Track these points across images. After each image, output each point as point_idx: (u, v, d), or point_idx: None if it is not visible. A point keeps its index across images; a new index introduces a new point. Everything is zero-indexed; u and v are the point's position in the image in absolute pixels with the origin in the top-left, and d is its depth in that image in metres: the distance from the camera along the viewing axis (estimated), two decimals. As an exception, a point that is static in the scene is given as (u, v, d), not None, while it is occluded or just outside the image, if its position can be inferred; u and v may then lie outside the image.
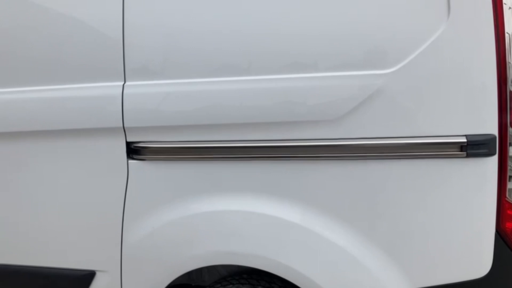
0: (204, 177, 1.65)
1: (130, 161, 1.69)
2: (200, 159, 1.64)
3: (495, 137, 1.46)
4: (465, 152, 1.46)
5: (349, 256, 1.55)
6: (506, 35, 1.47)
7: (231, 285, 1.78)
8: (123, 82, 1.65)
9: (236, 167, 1.62)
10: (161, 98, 1.61)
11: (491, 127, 1.47)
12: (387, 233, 1.54)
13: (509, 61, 1.49)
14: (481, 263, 1.52)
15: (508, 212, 1.52)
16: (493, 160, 1.48)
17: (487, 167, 1.49)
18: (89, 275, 1.84)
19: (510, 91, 1.49)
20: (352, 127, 1.51)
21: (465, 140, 1.45)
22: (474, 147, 1.45)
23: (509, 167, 1.52)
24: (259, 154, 1.59)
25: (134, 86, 1.64)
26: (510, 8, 1.52)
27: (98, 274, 1.84)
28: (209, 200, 1.65)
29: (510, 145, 1.50)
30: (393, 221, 1.54)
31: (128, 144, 1.67)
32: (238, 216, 1.63)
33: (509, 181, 1.52)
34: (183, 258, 1.71)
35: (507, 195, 1.52)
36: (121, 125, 1.64)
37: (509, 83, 1.49)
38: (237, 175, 1.62)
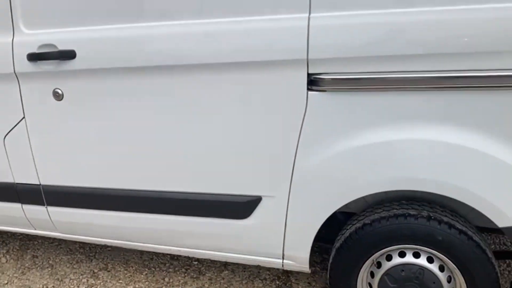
0: (385, 108, 1.70)
1: (310, 92, 1.76)
2: (382, 89, 1.69)
3: None
4: None
5: None
6: None
7: (394, 210, 1.88)
8: (308, 14, 1.69)
9: (418, 98, 1.67)
10: (346, 29, 1.65)
11: None
12: None
13: None
14: None
15: None
16: None
17: None
18: (256, 201, 1.99)
19: None
20: None
21: None
22: None
23: None
24: (442, 85, 1.63)
25: (320, 18, 1.67)
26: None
27: (264, 200, 1.97)
28: (387, 130, 1.71)
29: None
30: None
31: (309, 75, 1.73)
32: (420, 144, 1.70)
33: None
34: (357, 184, 1.80)
35: None
36: (305, 57, 1.70)
37: None
38: (419, 105, 1.67)
